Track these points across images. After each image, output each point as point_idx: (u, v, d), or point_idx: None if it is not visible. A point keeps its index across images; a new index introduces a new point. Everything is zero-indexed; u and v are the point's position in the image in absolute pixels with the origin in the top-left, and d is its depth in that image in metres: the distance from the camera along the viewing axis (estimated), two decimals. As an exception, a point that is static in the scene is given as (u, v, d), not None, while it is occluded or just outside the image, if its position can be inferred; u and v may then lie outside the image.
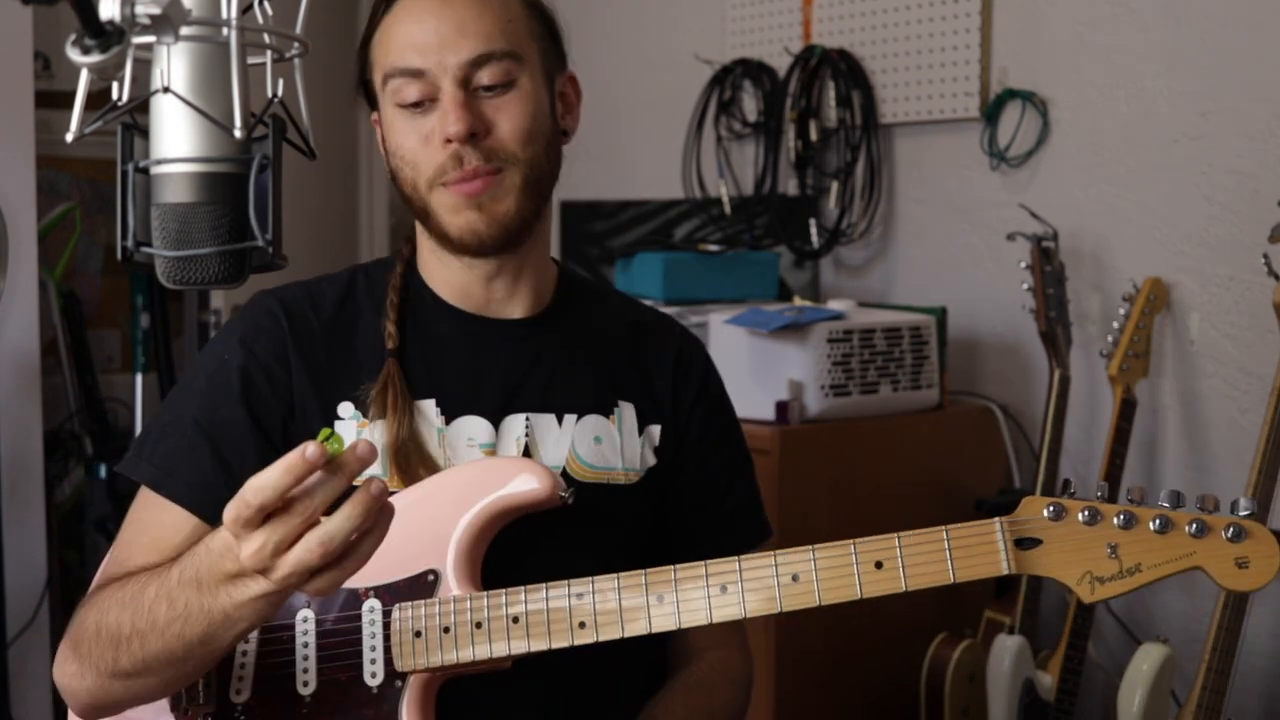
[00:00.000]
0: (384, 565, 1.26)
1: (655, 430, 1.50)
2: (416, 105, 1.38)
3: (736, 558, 1.27)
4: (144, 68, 0.90)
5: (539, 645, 1.29)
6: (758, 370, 2.55)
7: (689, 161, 3.34)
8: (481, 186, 1.37)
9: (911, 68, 2.99)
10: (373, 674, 1.31)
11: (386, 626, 1.31)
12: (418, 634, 1.31)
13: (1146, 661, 2.25)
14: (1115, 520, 1.20)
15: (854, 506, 2.54)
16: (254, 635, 1.33)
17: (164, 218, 0.91)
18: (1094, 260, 2.74)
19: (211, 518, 1.33)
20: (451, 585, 1.32)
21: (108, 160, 2.45)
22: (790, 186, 3.20)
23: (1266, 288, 2.36)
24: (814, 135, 3.11)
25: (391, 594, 1.32)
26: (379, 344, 1.44)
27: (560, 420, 1.45)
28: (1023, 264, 2.61)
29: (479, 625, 1.30)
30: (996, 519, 1.22)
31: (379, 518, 1.11)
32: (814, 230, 3.13)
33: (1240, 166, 2.52)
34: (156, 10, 0.82)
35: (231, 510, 1.08)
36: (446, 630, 1.30)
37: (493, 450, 1.42)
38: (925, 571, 1.22)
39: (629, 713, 1.43)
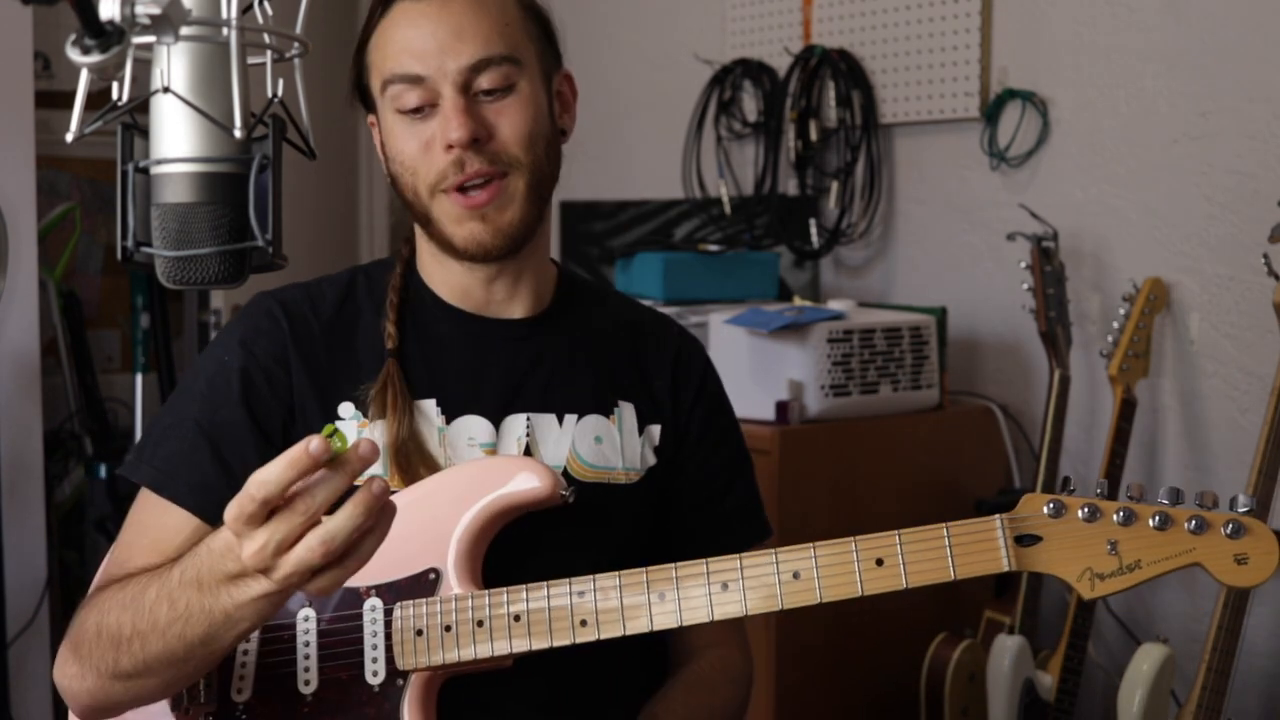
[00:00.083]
0: (385, 564, 1.26)
1: (655, 430, 1.51)
2: (416, 111, 1.37)
3: (737, 555, 1.27)
4: (144, 68, 0.90)
5: (540, 643, 1.29)
6: (758, 370, 2.55)
7: (689, 161, 3.34)
8: (486, 199, 1.37)
9: (911, 68, 2.99)
10: (374, 673, 1.31)
11: (388, 625, 1.32)
12: (419, 632, 1.31)
13: (1146, 661, 2.25)
14: (1115, 517, 1.20)
15: (854, 506, 2.54)
16: (255, 635, 1.33)
17: (164, 218, 0.91)
18: (1094, 260, 2.74)
19: (212, 519, 1.33)
20: (453, 584, 1.32)
21: (108, 160, 2.45)
22: (790, 186, 3.20)
23: (1266, 288, 2.36)
24: (814, 135, 3.11)
25: (393, 592, 1.33)
26: (379, 344, 1.44)
27: (561, 420, 1.46)
28: (1023, 264, 2.61)
29: (480, 623, 1.30)
30: (997, 516, 1.22)
31: (381, 517, 1.11)
32: (814, 230, 3.13)
33: (1240, 166, 2.52)
34: (156, 10, 0.82)
35: (234, 507, 1.08)
36: (448, 629, 1.30)
37: (493, 450, 1.42)
38: (926, 568, 1.22)
39: (630, 711, 1.43)
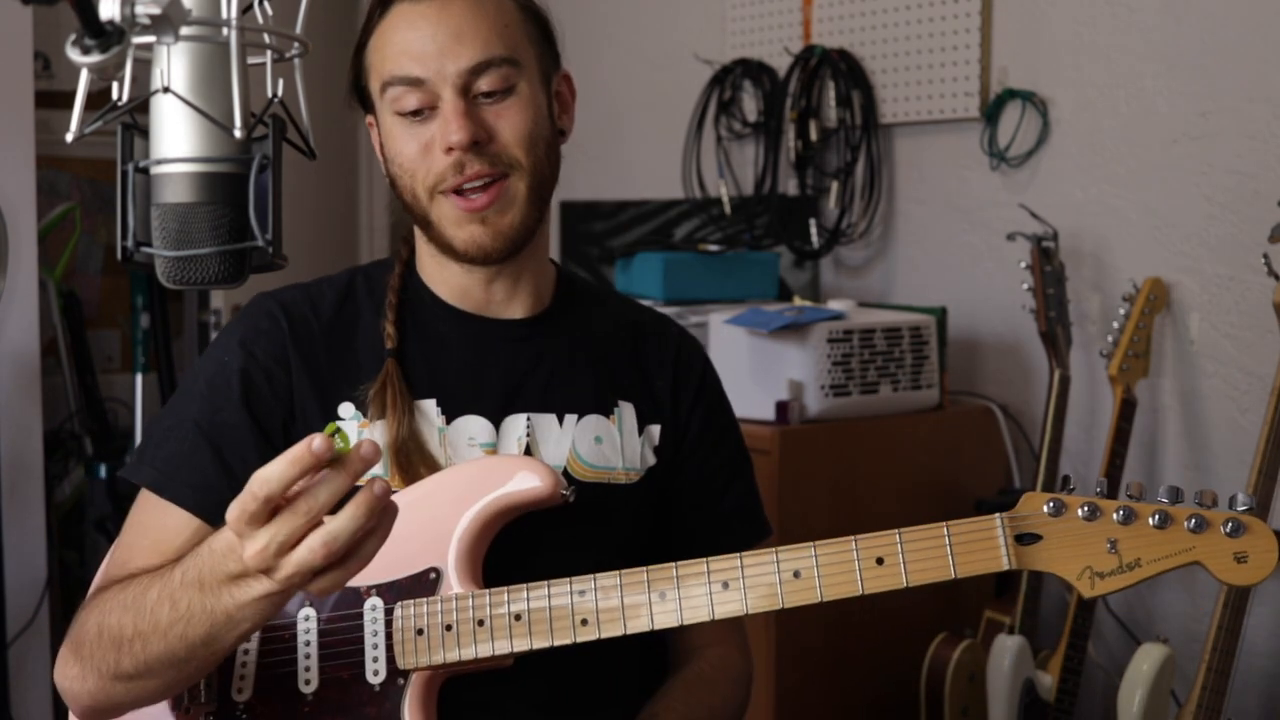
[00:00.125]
0: (386, 563, 1.26)
1: (655, 430, 1.51)
2: (416, 113, 1.37)
3: (738, 554, 1.27)
4: (144, 68, 0.90)
5: (541, 643, 1.29)
6: (758, 370, 2.55)
7: (689, 161, 3.34)
8: (486, 201, 1.37)
9: (911, 68, 2.99)
10: (375, 672, 1.31)
11: (388, 624, 1.32)
12: (420, 632, 1.31)
13: (1146, 661, 2.25)
14: (1115, 516, 1.20)
15: (854, 506, 2.54)
16: (255, 634, 1.33)
17: (164, 218, 0.91)
18: (1094, 260, 2.74)
19: (213, 520, 1.33)
20: (453, 583, 1.32)
21: (108, 160, 2.45)
22: (790, 186, 3.20)
23: (1266, 288, 2.36)
24: (814, 135, 3.11)
25: (393, 592, 1.33)
26: (379, 344, 1.44)
27: (561, 420, 1.46)
28: (1023, 264, 2.61)
29: (481, 623, 1.30)
30: (997, 514, 1.22)
31: (383, 518, 1.11)
32: (814, 230, 3.13)
33: (1240, 166, 2.52)
34: (156, 10, 0.82)
35: (236, 507, 1.08)
36: (449, 628, 1.30)
37: (494, 450, 1.42)
38: (926, 567, 1.23)
39: (629, 710, 1.43)
